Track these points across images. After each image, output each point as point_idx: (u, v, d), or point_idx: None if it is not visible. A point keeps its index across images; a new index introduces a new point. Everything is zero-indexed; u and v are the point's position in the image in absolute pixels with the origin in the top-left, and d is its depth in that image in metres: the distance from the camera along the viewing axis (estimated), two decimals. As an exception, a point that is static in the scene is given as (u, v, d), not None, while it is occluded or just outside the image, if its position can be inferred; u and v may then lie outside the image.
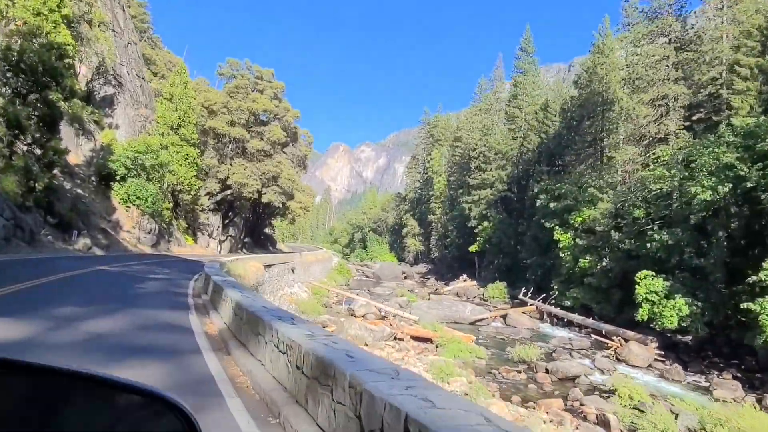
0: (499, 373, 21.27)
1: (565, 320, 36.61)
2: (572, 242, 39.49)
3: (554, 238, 41.33)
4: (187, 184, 44.84)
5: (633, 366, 24.43)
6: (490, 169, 65.43)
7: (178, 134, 44.96)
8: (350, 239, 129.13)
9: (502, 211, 64.35)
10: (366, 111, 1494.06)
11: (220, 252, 49.27)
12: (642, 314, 26.66)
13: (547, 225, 43.10)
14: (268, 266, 31.30)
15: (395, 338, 24.85)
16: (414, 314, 33.23)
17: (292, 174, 52.00)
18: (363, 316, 31.78)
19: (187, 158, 44.90)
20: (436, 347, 24.39)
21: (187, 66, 53.87)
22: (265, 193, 51.59)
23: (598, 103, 43.60)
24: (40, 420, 1.16)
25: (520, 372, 21.65)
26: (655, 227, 28.85)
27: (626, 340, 27.43)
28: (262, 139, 54.97)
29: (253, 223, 61.39)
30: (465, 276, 60.18)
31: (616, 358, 25.77)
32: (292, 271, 39.63)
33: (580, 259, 37.21)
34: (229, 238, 52.32)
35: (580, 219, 39.00)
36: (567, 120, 51.65)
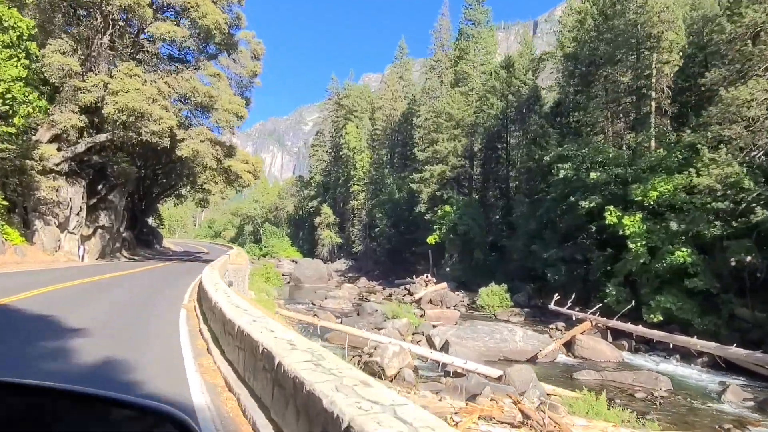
0: None
1: (654, 342, 24.18)
2: (642, 227, 27.11)
3: (606, 221, 28.70)
4: (10, 106, 21.21)
5: None
6: (442, 140, 51.93)
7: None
8: (238, 232, 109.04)
9: (464, 191, 51.35)
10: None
11: (83, 260, 29.27)
12: None
13: (584, 204, 30.49)
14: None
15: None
16: (452, 353, 19.10)
17: (235, 104, 31.80)
18: (394, 377, 16.22)
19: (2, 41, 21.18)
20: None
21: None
22: (183, 140, 29.50)
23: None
24: None
25: None
26: None
27: None
28: (178, 24, 31.06)
29: (136, 207, 41.42)
30: (428, 276, 46.09)
31: None
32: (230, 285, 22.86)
33: (674, 252, 24.81)
34: (99, 232, 30.86)
35: (658, 192, 26.72)
36: (572, 71, 39.42)
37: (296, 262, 73.29)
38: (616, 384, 18.60)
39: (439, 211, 48.81)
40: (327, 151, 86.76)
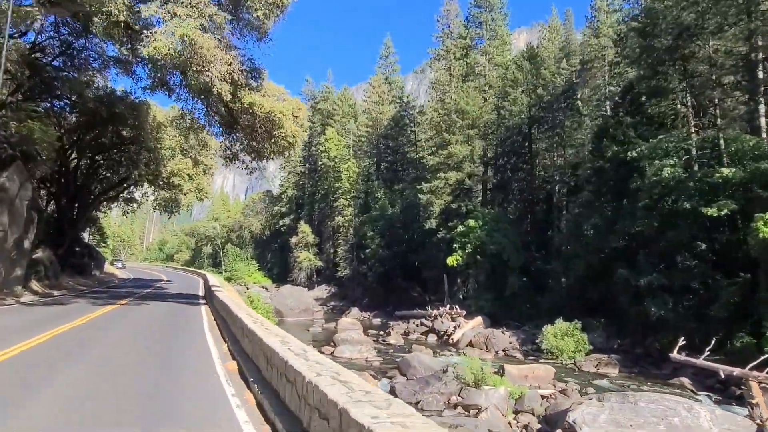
0: None
1: None
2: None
3: (757, 233, 20.11)
4: None
5: None
6: (455, 142, 43.03)
7: None
8: (194, 255, 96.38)
9: (488, 202, 42.51)
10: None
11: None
12: None
13: (709, 211, 21.95)
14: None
15: None
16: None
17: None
18: None
19: None
20: None
21: None
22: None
23: None
24: None
25: None
26: None
27: None
28: None
29: (64, 214, 29.57)
30: (451, 307, 36.37)
31: None
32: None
33: None
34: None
35: None
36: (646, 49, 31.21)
37: (266, 289, 62.44)
38: None
39: (459, 226, 39.60)
40: (300, 162, 76.45)
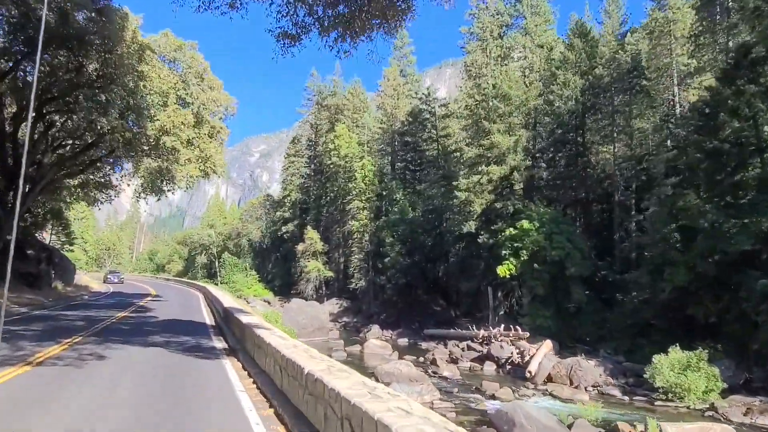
0: None
1: None
2: None
3: None
4: None
5: None
6: (497, 132, 36.64)
7: None
8: (187, 265, 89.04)
9: (532, 201, 36.07)
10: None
11: None
12: None
13: None
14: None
15: None
16: None
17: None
18: None
19: None
20: None
21: None
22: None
23: None
24: None
25: None
26: None
27: None
28: None
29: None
30: (507, 329, 29.58)
31: None
32: None
33: None
34: None
35: None
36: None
37: (269, 303, 55.53)
38: None
39: (509, 229, 33.09)
40: (306, 163, 69.77)
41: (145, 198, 24.32)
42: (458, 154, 41.47)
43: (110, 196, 27.91)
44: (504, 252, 32.56)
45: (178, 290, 50.17)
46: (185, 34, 32.29)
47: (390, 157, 60.46)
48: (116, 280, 54.44)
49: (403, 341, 39.56)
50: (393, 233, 48.35)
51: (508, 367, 25.86)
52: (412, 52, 64.41)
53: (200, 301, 31.82)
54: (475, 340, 31.12)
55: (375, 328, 43.07)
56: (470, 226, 36.76)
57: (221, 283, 69.19)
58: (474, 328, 33.28)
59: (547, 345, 25.87)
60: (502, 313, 37.08)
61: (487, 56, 40.60)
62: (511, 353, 26.56)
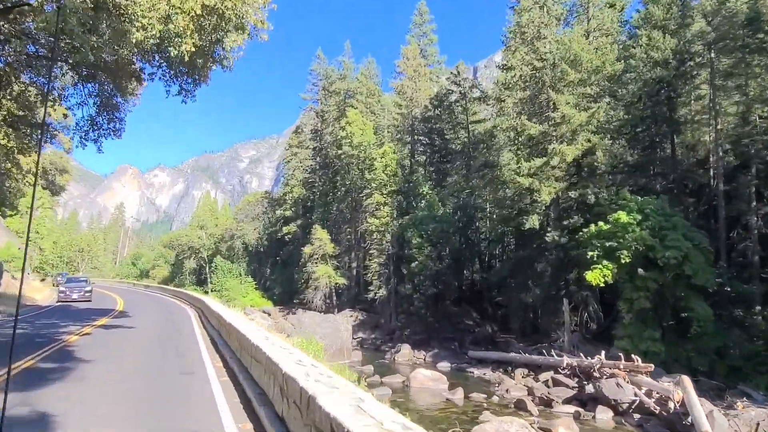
0: None
1: None
2: None
3: None
4: None
5: None
6: (564, 104, 29.06)
7: None
8: (174, 270, 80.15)
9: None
10: (161, 131, 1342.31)
11: None
12: None
13: None
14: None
15: None
16: None
17: None
18: None
19: None
20: None
21: None
22: None
23: None
24: None
25: None
26: None
27: None
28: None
29: None
30: (639, 362, 21.72)
31: None
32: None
33: None
34: None
35: None
36: None
37: (269, 315, 47.41)
38: None
39: (593, 226, 25.43)
40: (309, 155, 61.61)
41: (95, 140, 15.12)
42: (511, 134, 33.64)
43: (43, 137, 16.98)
44: (591, 253, 24.78)
45: (157, 302, 39.97)
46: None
47: (410, 147, 52.68)
48: (75, 295, 34.66)
49: (444, 365, 31.63)
50: (421, 233, 40.52)
51: (637, 416, 18.03)
52: (433, 30, 56.73)
53: (193, 326, 20.56)
54: (561, 370, 23.31)
55: (405, 348, 35.12)
56: (533, 221, 28.96)
57: (212, 291, 60.82)
58: (548, 353, 25.55)
59: (687, 382, 18.09)
60: (584, 334, 29.43)
61: (547, 11, 33.11)
62: (635, 394, 18.76)
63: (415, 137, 52.71)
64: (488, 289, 45.48)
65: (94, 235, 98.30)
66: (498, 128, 35.07)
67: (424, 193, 43.96)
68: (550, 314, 30.85)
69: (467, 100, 47.53)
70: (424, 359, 34.50)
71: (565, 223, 28.10)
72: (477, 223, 45.62)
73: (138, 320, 22.93)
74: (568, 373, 23.23)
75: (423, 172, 47.80)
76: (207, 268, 67.71)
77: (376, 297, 43.51)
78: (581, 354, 23.74)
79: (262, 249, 68.28)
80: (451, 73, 48.98)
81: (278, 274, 61.04)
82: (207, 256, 69.67)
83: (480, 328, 41.81)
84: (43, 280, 52.78)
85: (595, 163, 27.91)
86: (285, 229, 59.43)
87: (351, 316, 45.83)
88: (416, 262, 39.91)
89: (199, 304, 28.42)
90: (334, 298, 48.30)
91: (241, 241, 69.52)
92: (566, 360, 23.46)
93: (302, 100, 63.82)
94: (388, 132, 49.78)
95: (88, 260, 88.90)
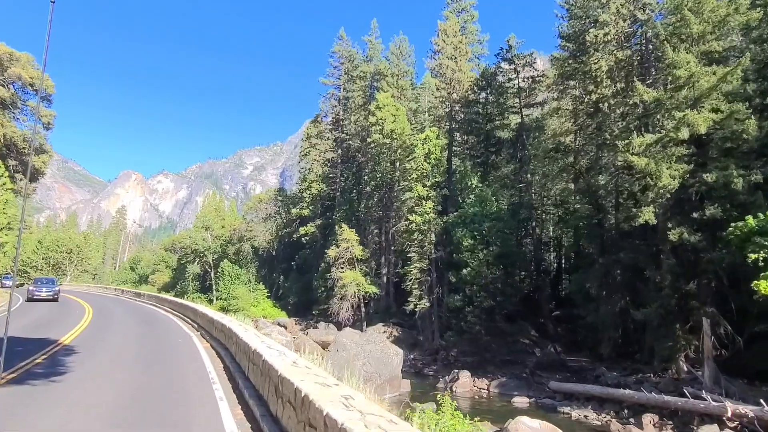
0: None
1: None
2: None
3: None
4: None
5: None
6: (688, 64, 22.08)
7: None
8: (176, 275, 73.13)
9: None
10: (165, 137, 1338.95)
11: None
12: None
13: None
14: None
15: None
16: None
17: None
18: None
19: None
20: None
21: None
22: None
23: None
24: None
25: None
26: None
27: None
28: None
29: None
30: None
31: None
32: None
33: None
34: None
35: None
36: None
37: (286, 328, 40.34)
38: None
39: (749, 218, 18.39)
40: (330, 146, 54.65)
41: None
42: (611, 102, 26.60)
43: None
44: (754, 256, 17.71)
45: (144, 327, 22.79)
46: None
47: (448, 135, 45.75)
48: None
49: (520, 401, 24.55)
50: (472, 234, 33.54)
51: None
52: (473, 6, 49.92)
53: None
54: (728, 421, 16.18)
55: (463, 377, 28.03)
56: (647, 215, 21.91)
57: (218, 299, 53.78)
58: (666, 389, 18.42)
59: None
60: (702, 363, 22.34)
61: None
62: None
63: (455, 124, 45.79)
64: (547, 301, 38.46)
65: (85, 236, 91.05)
66: (590, 98, 27.99)
67: (473, 186, 37.02)
68: (660, 335, 23.74)
69: (519, 80, 40.63)
70: (488, 389, 27.42)
71: (697, 215, 21.04)
72: (533, 222, 38.61)
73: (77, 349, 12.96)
74: (736, 425, 16.15)
75: (471, 163, 40.84)
76: (212, 274, 60.73)
77: (415, 309, 36.37)
78: (728, 394, 16.68)
79: (273, 253, 61.30)
80: (501, 48, 42.12)
81: (293, 282, 53.97)
82: (212, 260, 62.66)
83: (541, 349, 34.83)
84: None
85: (744, 136, 20.84)
86: (302, 230, 52.36)
87: (384, 331, 38.62)
88: (468, 269, 32.89)
89: (225, 335, 15.05)
90: (362, 309, 41.18)
91: (250, 244, 62.45)
92: (730, 407, 16.36)
93: (322, 85, 56.95)
94: (429, 115, 42.84)
95: (77, 263, 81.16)
